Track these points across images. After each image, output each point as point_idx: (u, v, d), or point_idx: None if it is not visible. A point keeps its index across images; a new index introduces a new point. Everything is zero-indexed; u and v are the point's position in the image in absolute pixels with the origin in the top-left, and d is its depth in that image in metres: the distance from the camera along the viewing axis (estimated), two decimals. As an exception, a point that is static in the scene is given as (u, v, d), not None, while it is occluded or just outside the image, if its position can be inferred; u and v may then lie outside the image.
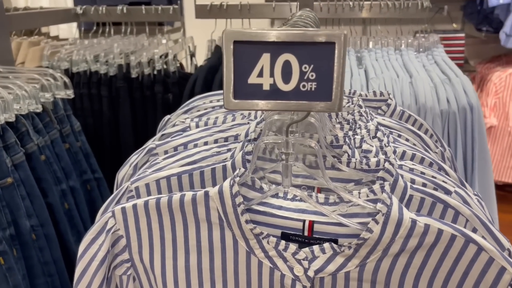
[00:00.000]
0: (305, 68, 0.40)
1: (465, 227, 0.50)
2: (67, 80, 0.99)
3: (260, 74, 0.40)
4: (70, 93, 0.99)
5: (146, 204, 0.51)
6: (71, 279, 0.92)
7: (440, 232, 0.45)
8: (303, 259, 0.49)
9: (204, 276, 0.52)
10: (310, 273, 0.48)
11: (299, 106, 0.39)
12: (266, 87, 0.39)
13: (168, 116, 0.85)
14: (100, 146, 1.28)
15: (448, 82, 1.09)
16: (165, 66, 1.28)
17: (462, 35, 2.53)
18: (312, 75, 0.40)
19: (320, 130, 0.52)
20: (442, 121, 1.05)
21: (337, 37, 0.39)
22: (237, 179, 0.49)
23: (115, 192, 0.59)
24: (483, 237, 0.49)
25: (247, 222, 0.49)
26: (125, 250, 0.53)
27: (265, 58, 0.40)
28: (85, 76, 1.28)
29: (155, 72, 1.27)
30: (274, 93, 0.39)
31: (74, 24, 1.75)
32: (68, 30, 2.20)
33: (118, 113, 1.26)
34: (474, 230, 0.50)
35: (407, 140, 0.72)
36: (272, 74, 0.40)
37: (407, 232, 0.46)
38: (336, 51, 0.39)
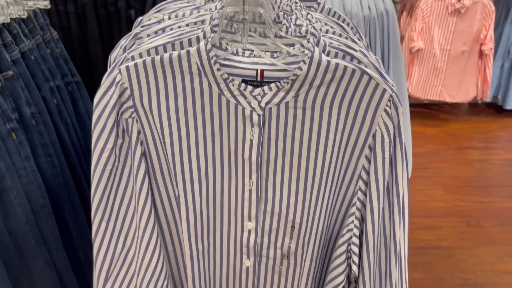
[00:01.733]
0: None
1: (364, 71, 0.75)
2: (42, -8, 1.12)
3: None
4: (47, 4, 1.12)
5: (144, 62, 0.71)
6: (66, 159, 1.11)
7: (345, 68, 0.69)
8: (257, 95, 0.71)
9: (189, 114, 0.73)
10: (262, 104, 0.72)
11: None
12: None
13: (140, 18, 1.02)
14: (71, 59, 1.41)
15: (370, -7, 1.32)
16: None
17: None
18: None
19: (267, 5, 0.73)
20: (364, 25, 1.29)
21: None
22: (210, 38, 0.70)
23: (113, 63, 0.78)
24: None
25: (218, 69, 0.70)
26: (130, 99, 0.73)
27: None
28: (50, -6, 1.38)
29: (117, -11, 1.40)
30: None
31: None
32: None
33: (86, 28, 1.40)
34: (370, 72, 0.75)
35: (331, 27, 0.95)
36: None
37: (324, 69, 0.69)
38: None
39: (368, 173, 0.76)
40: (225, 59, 0.72)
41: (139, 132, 0.75)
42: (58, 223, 1.05)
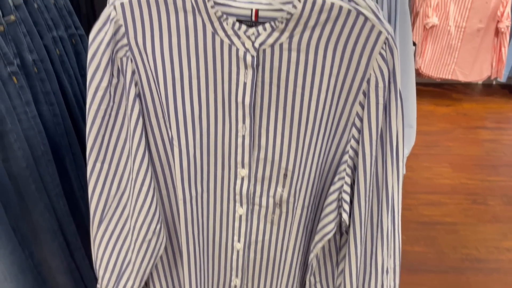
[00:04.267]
0: None
1: (362, 15, 0.73)
2: None
3: None
4: (51, -46, 1.12)
5: (138, -1, 0.71)
6: (68, 110, 1.12)
7: (341, 7, 0.68)
8: (251, 35, 0.71)
9: (182, 52, 0.73)
10: (256, 45, 0.71)
11: None
12: None
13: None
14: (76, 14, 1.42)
15: (379, -48, 1.29)
16: None
17: None
18: None
19: None
20: (372, -15, 1.26)
21: None
22: None
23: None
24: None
25: (212, 7, 0.69)
26: (124, 36, 0.73)
27: None
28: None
29: None
30: None
31: None
32: None
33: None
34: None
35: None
36: None
37: (319, 8, 0.68)
38: None
39: (361, 120, 0.75)
40: (223, -2, 0.71)
41: (133, 72, 0.75)
42: (59, 172, 1.07)
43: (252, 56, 0.72)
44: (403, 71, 1.31)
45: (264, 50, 0.72)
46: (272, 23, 0.70)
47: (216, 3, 0.71)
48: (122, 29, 0.72)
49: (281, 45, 0.71)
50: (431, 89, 3.55)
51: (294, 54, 0.72)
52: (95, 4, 1.39)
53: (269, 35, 0.71)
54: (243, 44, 0.71)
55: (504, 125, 3.13)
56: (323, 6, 0.68)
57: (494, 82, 3.50)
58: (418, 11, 3.13)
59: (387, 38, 0.69)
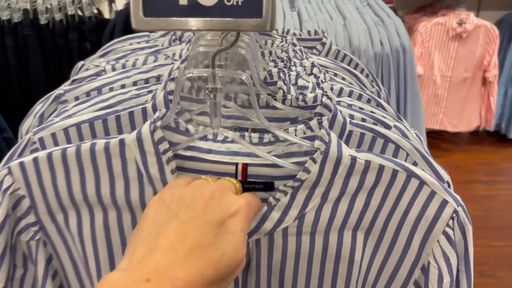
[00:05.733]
0: (230, -21, 0.33)
1: (405, 161, 0.48)
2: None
3: (176, -14, 0.33)
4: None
5: (49, 156, 0.43)
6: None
7: (381, 168, 0.42)
8: None
9: (126, 234, 0.46)
10: None
11: (224, 24, 0.33)
12: (183, 1, 0.32)
13: (81, 62, 0.75)
14: (9, 104, 1.13)
15: (381, 24, 1.07)
16: (79, 12, 1.14)
17: (391, -16, 2.55)
18: (238, -12, 0.33)
19: (252, 64, 0.47)
20: (376, 63, 1.03)
21: None
22: (159, 123, 0.42)
23: (14, 147, 0.50)
24: (423, 170, 0.47)
25: (172, 172, 0.42)
26: (30, 212, 0.45)
27: (181, -33, 0.33)
28: (-16, 24, 1.11)
29: (69, 19, 1.13)
30: (193, 9, 0.32)
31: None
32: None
33: (28, 65, 1.12)
34: (415, 164, 0.48)
35: (343, 79, 0.69)
36: (190, -13, 0.33)
37: (347, 171, 0.42)
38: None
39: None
40: (187, 148, 0.44)
41: (49, 260, 0.47)
42: None
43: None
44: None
45: (257, 241, 0.45)
46: (270, 199, 0.43)
47: (180, 157, 0.44)
48: (26, 202, 0.44)
49: (285, 229, 0.44)
50: (418, 139, 3.37)
51: (306, 239, 0.45)
52: (33, 90, 1.11)
53: (265, 218, 0.43)
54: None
55: (499, 178, 2.95)
56: (353, 167, 0.42)
57: (481, 129, 3.36)
58: (401, 61, 2.98)
59: (456, 212, 0.44)
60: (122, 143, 0.42)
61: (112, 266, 0.46)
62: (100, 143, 0.42)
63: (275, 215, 0.43)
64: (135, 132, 0.42)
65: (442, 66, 2.96)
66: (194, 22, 0.32)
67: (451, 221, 0.43)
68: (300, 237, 0.44)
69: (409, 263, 0.45)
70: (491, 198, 2.76)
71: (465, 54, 2.88)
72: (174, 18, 0.32)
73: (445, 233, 0.44)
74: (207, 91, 0.41)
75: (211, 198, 0.36)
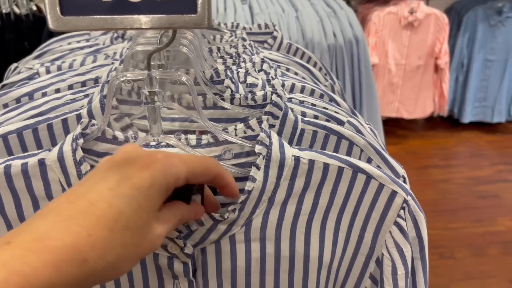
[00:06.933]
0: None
1: (359, 158, 0.47)
2: None
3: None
4: None
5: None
6: None
7: (326, 166, 0.40)
8: (176, 238, 0.40)
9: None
10: (188, 250, 0.40)
11: (155, 22, 0.29)
12: (106, -3, 0.29)
13: (14, 65, 0.69)
14: None
15: (333, 15, 1.06)
16: (16, 9, 1.06)
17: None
18: (169, -19, 0.30)
19: (195, 62, 0.43)
20: (329, 55, 1.02)
21: None
22: (80, 140, 0.38)
23: None
24: (378, 166, 0.46)
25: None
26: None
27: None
28: None
29: (4, 17, 1.05)
30: (119, 6, 0.29)
31: None
32: None
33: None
34: (369, 160, 0.47)
35: (296, 74, 0.67)
36: (115, -19, 0.29)
37: (292, 172, 0.40)
38: None
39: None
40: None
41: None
42: None
43: (184, 263, 0.41)
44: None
45: (203, 249, 0.42)
46: (213, 216, 0.40)
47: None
48: None
49: (232, 237, 0.42)
50: (376, 127, 3.44)
51: (256, 246, 0.42)
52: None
53: (211, 230, 0.41)
54: (164, 247, 0.40)
55: (453, 161, 3.06)
56: (297, 168, 0.40)
57: (435, 115, 3.46)
58: (357, 51, 3.02)
59: (405, 201, 0.43)
60: (42, 163, 0.38)
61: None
62: (16, 165, 0.38)
63: (221, 227, 0.40)
64: (56, 151, 0.38)
65: (396, 55, 3.01)
66: (119, 21, 0.29)
67: (402, 211, 0.42)
68: (249, 244, 0.41)
69: (363, 256, 0.44)
70: (447, 181, 2.86)
71: (418, 42, 2.94)
72: (97, 17, 0.29)
73: (396, 224, 0.42)
74: (144, 95, 0.38)
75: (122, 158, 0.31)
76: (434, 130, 3.46)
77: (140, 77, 0.36)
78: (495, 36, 3.18)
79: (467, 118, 3.27)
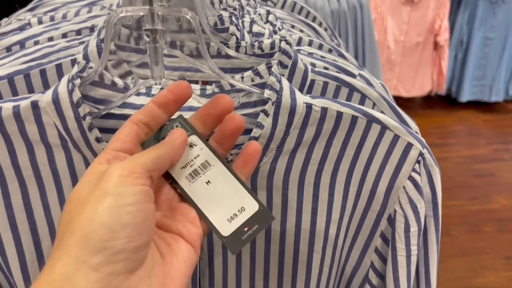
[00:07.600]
0: None
1: (372, 111, 0.44)
2: None
3: None
4: None
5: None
6: None
7: (339, 115, 0.38)
8: None
9: (53, 212, 0.39)
10: None
11: None
12: None
13: (5, 19, 0.65)
14: None
15: (337, -21, 1.02)
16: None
17: None
18: None
19: (199, 5, 0.41)
20: (333, 21, 0.99)
21: None
22: (77, 80, 0.35)
23: None
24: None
25: (98, 140, 0.36)
26: None
27: None
28: None
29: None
30: None
31: None
32: None
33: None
34: (382, 114, 0.44)
35: (301, 31, 0.64)
36: None
37: (303, 120, 0.38)
38: None
39: (382, 277, 0.46)
40: (122, 105, 0.38)
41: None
42: None
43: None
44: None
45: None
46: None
47: (108, 116, 0.38)
48: None
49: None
50: (373, 106, 3.42)
51: (263, 195, 0.41)
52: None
53: None
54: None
55: (450, 140, 3.05)
56: (309, 116, 0.37)
57: (433, 93, 3.44)
58: (356, 27, 2.97)
59: (421, 154, 0.41)
60: (35, 106, 0.35)
61: (40, 255, 0.39)
62: (7, 107, 0.35)
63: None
64: (50, 92, 0.35)
65: (395, 31, 2.97)
66: None
67: (417, 165, 0.40)
68: (255, 192, 0.39)
69: (374, 214, 0.42)
70: (443, 160, 2.85)
71: (418, 18, 2.90)
72: None
73: (411, 179, 0.40)
74: (145, 34, 0.35)
75: None
76: (432, 108, 3.45)
77: (141, 13, 0.33)
78: (495, 13, 3.14)
79: (465, 97, 3.25)
